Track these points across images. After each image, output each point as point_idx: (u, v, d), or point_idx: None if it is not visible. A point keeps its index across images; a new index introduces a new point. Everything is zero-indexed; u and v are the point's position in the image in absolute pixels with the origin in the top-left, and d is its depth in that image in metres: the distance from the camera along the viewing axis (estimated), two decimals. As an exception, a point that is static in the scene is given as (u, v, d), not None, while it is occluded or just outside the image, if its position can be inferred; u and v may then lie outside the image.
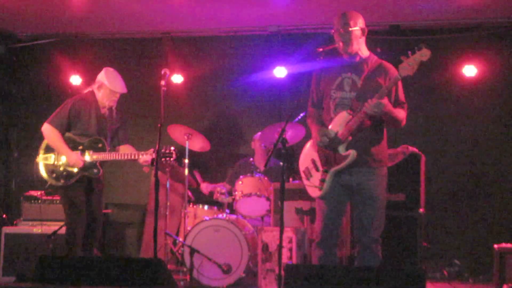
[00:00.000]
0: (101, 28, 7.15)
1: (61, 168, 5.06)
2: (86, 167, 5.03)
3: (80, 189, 5.04)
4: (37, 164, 5.14)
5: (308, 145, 4.32)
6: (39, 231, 5.96)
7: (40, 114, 7.46)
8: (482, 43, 6.63)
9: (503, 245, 5.21)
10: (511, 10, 6.29)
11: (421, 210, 5.68)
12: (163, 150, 4.93)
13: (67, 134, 5.12)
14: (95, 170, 5.04)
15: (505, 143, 6.61)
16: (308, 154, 4.28)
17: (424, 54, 3.80)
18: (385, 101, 3.93)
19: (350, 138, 4.02)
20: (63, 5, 6.35)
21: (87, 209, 5.04)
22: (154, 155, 4.89)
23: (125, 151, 5.17)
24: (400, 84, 4.12)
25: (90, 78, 7.21)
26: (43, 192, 6.24)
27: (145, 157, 5.00)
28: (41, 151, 5.17)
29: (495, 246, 5.22)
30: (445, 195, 6.67)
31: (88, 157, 5.02)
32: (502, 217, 6.48)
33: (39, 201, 6.18)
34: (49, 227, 5.86)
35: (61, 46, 7.35)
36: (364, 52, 4.20)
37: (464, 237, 6.57)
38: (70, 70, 7.28)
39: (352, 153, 4.01)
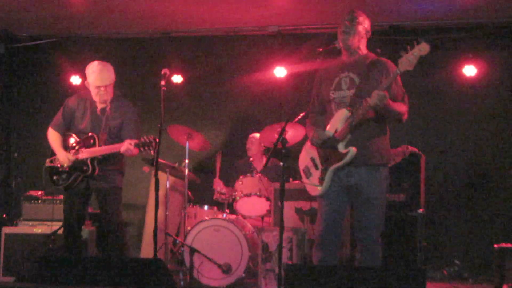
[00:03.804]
0: (101, 28, 7.15)
1: (60, 169, 5.05)
2: (77, 165, 4.98)
3: (75, 192, 5.03)
4: (44, 169, 5.13)
5: (308, 143, 4.33)
6: (39, 231, 5.96)
7: (40, 114, 7.50)
8: (482, 43, 6.64)
9: (503, 245, 5.21)
10: (511, 10, 6.29)
11: (421, 210, 5.68)
12: (142, 140, 4.77)
13: (68, 133, 5.11)
14: (85, 168, 4.96)
15: (505, 142, 6.61)
16: (307, 153, 4.28)
17: (422, 48, 3.78)
18: (386, 94, 3.91)
19: (349, 135, 4.02)
20: (63, 5, 6.35)
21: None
22: (132, 143, 4.78)
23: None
24: (398, 78, 4.11)
25: (90, 78, 7.29)
26: (43, 192, 6.26)
27: (125, 146, 4.83)
28: (49, 155, 5.16)
29: (495, 246, 5.22)
30: (445, 195, 6.67)
31: (78, 154, 4.96)
32: (502, 217, 6.48)
33: (39, 201, 6.18)
34: (49, 227, 5.86)
35: (61, 46, 7.35)
36: (363, 51, 4.22)
37: (464, 237, 6.58)
38: (70, 70, 7.28)
39: (351, 150, 3.99)
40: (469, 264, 6.36)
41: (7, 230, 6.05)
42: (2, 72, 7.42)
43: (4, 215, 6.76)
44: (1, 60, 7.35)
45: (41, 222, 6.08)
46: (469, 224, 6.59)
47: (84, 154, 4.97)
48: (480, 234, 6.50)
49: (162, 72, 4.70)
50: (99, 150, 4.95)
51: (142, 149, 4.79)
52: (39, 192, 6.25)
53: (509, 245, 5.20)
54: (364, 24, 4.18)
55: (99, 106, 5.09)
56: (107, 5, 6.36)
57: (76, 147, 5.02)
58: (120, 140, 5.00)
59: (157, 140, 4.70)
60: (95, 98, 5.07)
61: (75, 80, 7.27)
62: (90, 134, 5.02)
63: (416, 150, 5.82)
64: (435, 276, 6.18)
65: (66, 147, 5.09)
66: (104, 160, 5.00)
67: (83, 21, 6.87)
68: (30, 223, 6.11)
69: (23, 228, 6.08)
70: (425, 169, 5.85)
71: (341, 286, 3.53)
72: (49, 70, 7.46)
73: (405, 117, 4.12)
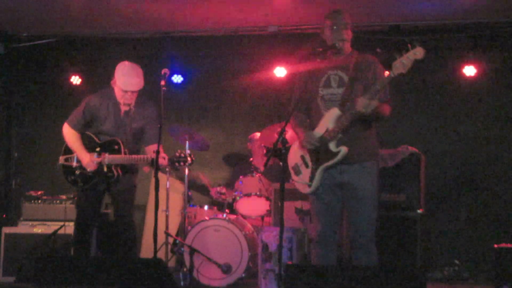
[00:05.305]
0: (101, 28, 7.15)
1: (78, 171, 4.94)
2: (101, 170, 4.89)
3: (91, 192, 4.97)
4: (59, 166, 5.05)
5: (298, 142, 4.31)
6: (39, 231, 5.96)
7: (40, 114, 7.51)
8: (482, 43, 6.63)
9: (503, 245, 5.22)
10: (511, 10, 6.29)
11: (421, 210, 5.68)
12: (177, 154, 4.77)
13: (87, 133, 5.01)
14: (110, 174, 4.89)
15: (505, 143, 6.61)
16: (297, 151, 4.26)
17: (417, 52, 3.72)
18: (375, 102, 3.87)
19: (340, 135, 4.01)
20: (63, 5, 6.35)
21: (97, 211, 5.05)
22: (166, 158, 4.76)
23: (150, 153, 4.86)
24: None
25: (90, 78, 7.29)
26: (43, 192, 6.26)
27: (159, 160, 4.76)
28: (62, 152, 5.05)
29: (495, 246, 5.22)
30: (445, 195, 6.67)
31: (102, 159, 4.85)
32: (502, 217, 6.48)
33: (39, 201, 6.18)
34: (49, 227, 5.87)
35: (61, 46, 7.33)
36: (348, 49, 4.23)
37: (464, 237, 6.57)
38: (70, 70, 7.28)
39: (343, 149, 3.99)
40: (469, 264, 6.36)
41: (7, 230, 6.05)
42: (2, 72, 7.42)
43: (4, 215, 6.76)
44: (1, 60, 7.34)
45: (41, 222, 6.08)
46: (469, 224, 6.59)
47: (107, 159, 4.86)
48: (480, 234, 6.50)
49: (162, 72, 4.69)
50: (126, 159, 4.88)
51: (177, 164, 4.73)
52: (39, 192, 6.25)
53: (509, 245, 5.20)
54: (350, 24, 4.21)
55: (123, 108, 4.99)
56: (107, 5, 6.36)
57: (98, 150, 4.91)
58: (142, 143, 4.96)
59: (192, 156, 4.67)
60: (120, 100, 4.97)
61: (75, 80, 7.27)
62: (114, 138, 4.92)
63: (416, 150, 5.82)
64: (435, 276, 6.18)
65: (86, 148, 4.96)
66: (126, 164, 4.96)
67: (83, 21, 6.86)
68: (30, 223, 6.12)
69: (23, 228, 6.09)
70: (425, 169, 5.85)
71: (341, 286, 3.53)
72: (49, 70, 7.45)
73: (386, 117, 4.11)
